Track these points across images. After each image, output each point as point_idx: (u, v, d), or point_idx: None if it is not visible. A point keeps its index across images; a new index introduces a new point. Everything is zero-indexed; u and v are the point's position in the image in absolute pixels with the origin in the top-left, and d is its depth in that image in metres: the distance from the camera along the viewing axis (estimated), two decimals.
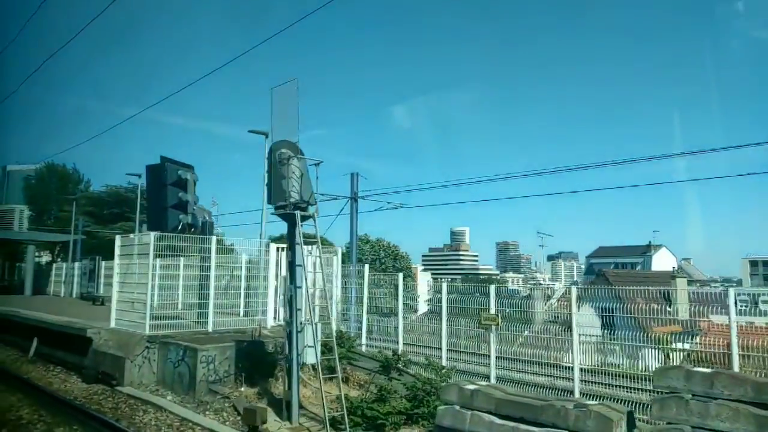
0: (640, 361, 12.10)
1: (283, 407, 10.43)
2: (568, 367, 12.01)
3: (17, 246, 52.80)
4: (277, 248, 16.44)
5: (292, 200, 10.21)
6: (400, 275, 16.30)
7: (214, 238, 15.20)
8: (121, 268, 15.30)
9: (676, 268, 56.35)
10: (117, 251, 15.32)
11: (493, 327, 12.71)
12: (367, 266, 17.74)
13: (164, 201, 16.87)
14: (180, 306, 14.70)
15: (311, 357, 10.27)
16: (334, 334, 10.65)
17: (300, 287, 10.43)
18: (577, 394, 11.55)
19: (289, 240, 10.66)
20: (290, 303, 10.43)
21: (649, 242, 66.20)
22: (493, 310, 13.00)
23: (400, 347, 14.83)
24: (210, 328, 14.67)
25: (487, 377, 12.39)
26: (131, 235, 15.19)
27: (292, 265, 10.46)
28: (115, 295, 15.16)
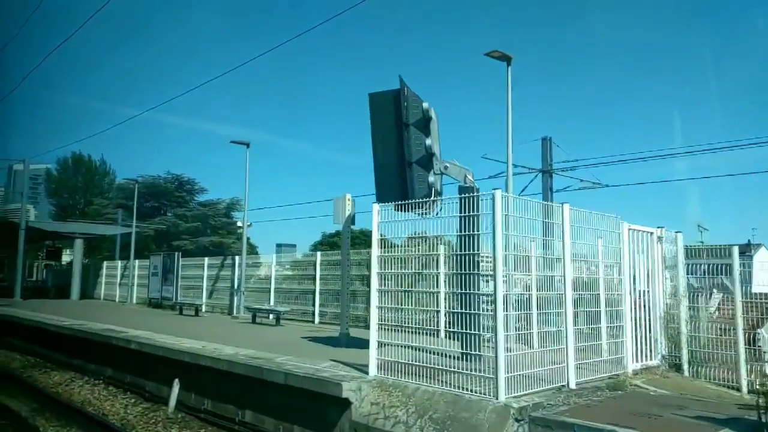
0: None
1: None
2: None
3: (36, 241, 46.01)
4: (630, 230, 9.33)
5: None
6: None
7: (565, 208, 8.03)
8: (383, 265, 8.15)
9: None
10: (375, 234, 8.16)
11: None
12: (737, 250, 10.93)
13: (408, 152, 10.05)
14: (536, 336, 7.46)
15: None
16: None
17: None
18: None
19: None
20: None
21: (749, 241, 58.65)
22: None
23: None
24: (572, 381, 7.54)
25: None
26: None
27: None
28: (375, 313, 7.97)
